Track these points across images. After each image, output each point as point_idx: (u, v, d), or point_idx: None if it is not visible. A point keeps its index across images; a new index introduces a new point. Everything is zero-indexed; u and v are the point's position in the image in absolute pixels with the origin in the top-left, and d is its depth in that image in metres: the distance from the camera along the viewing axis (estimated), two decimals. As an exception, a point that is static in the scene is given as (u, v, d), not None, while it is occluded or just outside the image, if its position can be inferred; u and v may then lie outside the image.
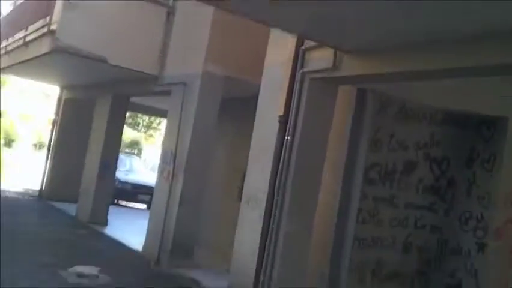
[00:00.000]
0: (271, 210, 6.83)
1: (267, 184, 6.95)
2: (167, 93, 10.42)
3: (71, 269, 7.64)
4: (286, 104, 6.87)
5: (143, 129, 36.91)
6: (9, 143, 34.11)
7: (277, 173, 6.87)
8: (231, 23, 8.48)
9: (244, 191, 7.68)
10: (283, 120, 6.89)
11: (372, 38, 5.56)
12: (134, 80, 11.56)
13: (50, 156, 16.59)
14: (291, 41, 6.75)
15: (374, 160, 7.67)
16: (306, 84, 6.73)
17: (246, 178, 7.72)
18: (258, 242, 6.86)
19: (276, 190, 6.84)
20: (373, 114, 7.39)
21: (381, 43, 5.55)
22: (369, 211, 7.72)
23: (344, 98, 7.16)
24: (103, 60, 10.34)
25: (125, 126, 19.73)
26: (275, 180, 6.87)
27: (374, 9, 4.65)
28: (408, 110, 7.77)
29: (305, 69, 6.72)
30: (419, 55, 5.33)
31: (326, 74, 6.47)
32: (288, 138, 6.83)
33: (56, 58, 11.11)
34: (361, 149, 7.52)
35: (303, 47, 6.67)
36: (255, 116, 7.75)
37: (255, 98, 7.78)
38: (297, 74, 6.74)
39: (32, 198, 16.41)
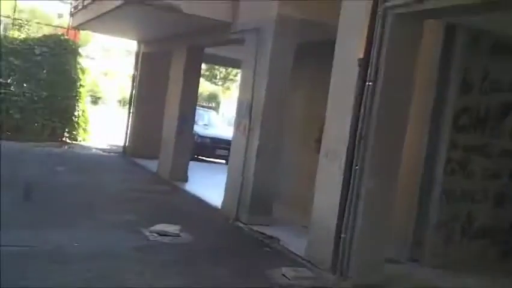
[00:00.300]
0: (352, 164, 6.27)
1: (347, 135, 6.39)
2: (241, 41, 9.95)
3: (152, 228, 7.52)
4: (366, 45, 6.21)
5: (220, 82, 36.92)
6: (95, 100, 35.26)
7: (357, 122, 6.28)
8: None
9: (322, 142, 7.16)
10: (364, 64, 6.25)
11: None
12: (208, 30, 11.19)
13: (131, 112, 16.76)
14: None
15: (464, 104, 6.99)
16: (388, 21, 6.02)
17: (325, 129, 7.18)
18: (339, 197, 6.37)
19: (356, 141, 6.27)
20: (463, 52, 6.64)
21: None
22: (459, 161, 7.16)
23: (430, 36, 6.42)
24: (177, 10, 9.98)
25: (202, 80, 19.71)
26: (356, 131, 6.30)
27: None
28: (502, 45, 6.93)
29: (388, 4, 5.98)
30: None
31: (411, 7, 5.73)
32: (370, 83, 6.19)
33: (130, 10, 10.89)
34: (450, 92, 6.83)
35: (386, -22, 5.94)
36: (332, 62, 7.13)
37: (333, 42, 7.13)
38: (378, 9, 6.02)
39: (116, 154, 16.75)
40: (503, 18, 5.99)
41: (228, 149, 10.71)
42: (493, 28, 6.57)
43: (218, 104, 36.78)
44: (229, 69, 32.24)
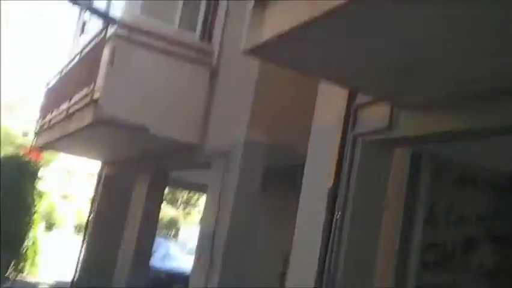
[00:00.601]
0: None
1: (314, 276, 5.85)
2: (207, 165, 9.75)
3: None
4: (336, 172, 5.98)
5: (181, 206, 36.54)
6: (50, 226, 33.66)
7: (324, 261, 5.81)
8: (277, 83, 7.90)
9: (287, 282, 6.63)
10: (333, 193, 5.95)
11: (438, 89, 4.73)
12: (175, 152, 11.00)
13: (85, 240, 15.79)
14: (341, 97, 5.93)
15: (431, 239, 6.66)
16: (358, 149, 5.85)
17: (290, 266, 6.70)
18: None
19: (324, 285, 5.75)
20: (430, 183, 6.45)
21: (449, 95, 4.72)
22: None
23: (396, 164, 6.26)
24: (144, 130, 9.86)
25: (163, 204, 19.07)
26: (322, 273, 5.78)
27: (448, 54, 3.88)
28: (467, 177, 6.70)
29: (357, 131, 5.85)
30: (492, 108, 4.41)
31: (381, 135, 5.60)
32: (338, 216, 5.83)
33: (97, 130, 10.75)
34: (416, 225, 6.53)
35: (355, 104, 5.85)
36: (301, 188, 6.89)
37: (301, 167, 6.96)
38: (347, 136, 5.90)
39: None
40: (471, 149, 5.92)
41: (186, 285, 10.02)
42: (459, 159, 6.48)
43: (177, 230, 36.03)
44: (191, 193, 32.06)
